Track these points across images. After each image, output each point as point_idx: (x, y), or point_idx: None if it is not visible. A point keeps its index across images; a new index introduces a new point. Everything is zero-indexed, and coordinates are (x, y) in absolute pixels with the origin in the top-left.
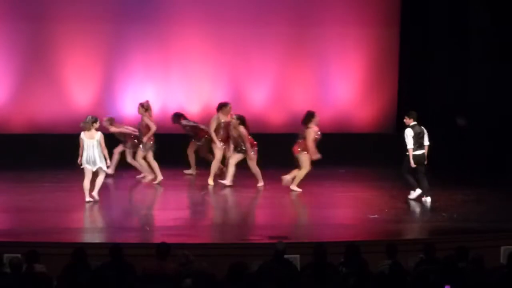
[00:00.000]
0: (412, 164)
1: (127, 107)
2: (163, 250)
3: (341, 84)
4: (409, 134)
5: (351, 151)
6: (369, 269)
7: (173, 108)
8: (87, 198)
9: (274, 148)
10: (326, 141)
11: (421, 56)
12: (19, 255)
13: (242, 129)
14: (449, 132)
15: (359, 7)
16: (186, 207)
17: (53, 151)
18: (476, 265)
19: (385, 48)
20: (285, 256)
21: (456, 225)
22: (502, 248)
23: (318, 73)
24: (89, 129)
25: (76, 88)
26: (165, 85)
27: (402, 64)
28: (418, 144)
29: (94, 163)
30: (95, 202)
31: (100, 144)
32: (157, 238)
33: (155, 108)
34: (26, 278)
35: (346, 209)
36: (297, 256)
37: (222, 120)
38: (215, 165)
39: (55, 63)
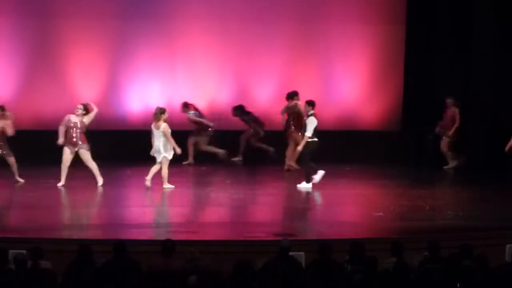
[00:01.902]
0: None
1: (132, 103)
2: (169, 247)
3: (346, 82)
4: (314, 122)
5: (356, 149)
6: (376, 266)
7: (178, 105)
8: (165, 185)
9: (279, 145)
10: (331, 139)
11: (427, 53)
12: (24, 251)
13: (85, 118)
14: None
15: (365, 4)
16: (191, 204)
17: (58, 147)
18: (481, 263)
19: (390, 46)
20: (290, 253)
21: (461, 223)
22: (507, 246)
23: (324, 70)
24: (157, 120)
25: (81, 85)
26: (171, 82)
27: (407, 61)
28: (316, 132)
29: (159, 152)
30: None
31: (165, 134)
32: (163, 235)
33: (161, 104)
34: (31, 275)
35: (351, 207)
36: (302, 253)
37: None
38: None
39: (61, 59)
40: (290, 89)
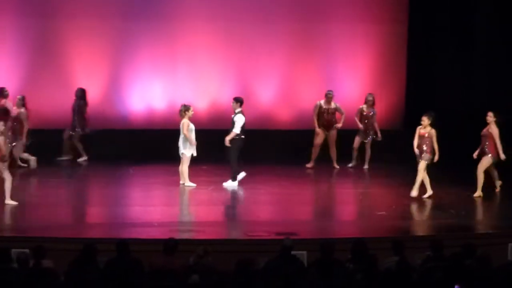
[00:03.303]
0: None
1: (134, 102)
2: (171, 246)
3: (349, 81)
4: (242, 119)
5: (358, 148)
6: (377, 265)
7: (180, 104)
8: (181, 181)
9: (282, 144)
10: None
11: (429, 53)
12: (26, 251)
13: None
14: (456, 128)
15: (367, 4)
16: (193, 203)
17: (60, 146)
18: (483, 262)
19: (393, 45)
20: (292, 252)
21: (463, 222)
22: (510, 245)
23: (326, 70)
24: (181, 117)
25: (84, 84)
26: (173, 81)
27: (409, 60)
28: (243, 130)
29: (179, 149)
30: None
31: (182, 131)
32: (165, 234)
33: (163, 104)
34: (33, 274)
35: (354, 206)
36: (304, 252)
37: (324, 107)
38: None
39: (63, 59)
40: (293, 89)
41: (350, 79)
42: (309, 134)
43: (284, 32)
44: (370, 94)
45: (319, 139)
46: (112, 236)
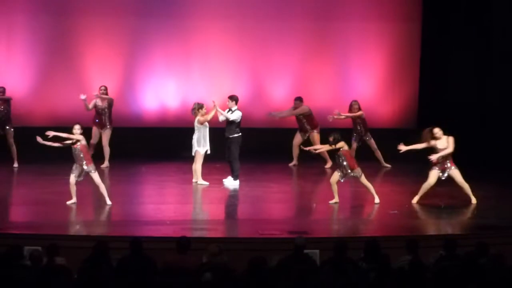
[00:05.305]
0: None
1: (148, 100)
2: (184, 244)
3: (362, 79)
4: (239, 114)
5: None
6: (390, 264)
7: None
8: (194, 179)
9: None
10: (347, 136)
11: (443, 50)
12: (39, 248)
13: None
14: (469, 127)
15: (381, 1)
16: (206, 201)
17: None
18: (497, 261)
19: (406, 43)
20: (305, 251)
21: (476, 221)
22: None
23: (339, 68)
24: (195, 115)
25: (97, 82)
26: (186, 80)
27: (423, 59)
28: (240, 127)
29: (193, 146)
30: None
31: (199, 129)
32: (177, 232)
33: (176, 102)
34: (46, 271)
35: (366, 204)
36: (317, 251)
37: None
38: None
39: (77, 56)
40: (306, 87)
41: (363, 77)
42: (322, 133)
43: (298, 30)
44: (355, 101)
45: (297, 140)
46: (125, 234)
